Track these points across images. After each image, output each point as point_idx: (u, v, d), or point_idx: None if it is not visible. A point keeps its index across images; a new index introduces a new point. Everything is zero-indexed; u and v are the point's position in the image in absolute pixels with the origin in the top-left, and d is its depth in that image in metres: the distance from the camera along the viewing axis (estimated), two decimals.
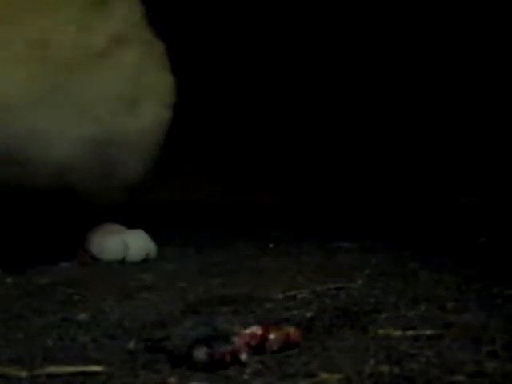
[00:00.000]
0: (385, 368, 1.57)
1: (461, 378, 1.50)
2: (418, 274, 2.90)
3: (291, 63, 6.20)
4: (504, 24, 5.48)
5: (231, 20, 5.87)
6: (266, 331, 1.72)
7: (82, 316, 2.16)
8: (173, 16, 5.16)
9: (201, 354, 1.57)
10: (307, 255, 3.52)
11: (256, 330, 1.72)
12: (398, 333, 1.90)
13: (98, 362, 1.65)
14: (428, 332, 1.89)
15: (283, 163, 6.79)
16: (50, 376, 1.55)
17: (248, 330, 1.71)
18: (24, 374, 1.56)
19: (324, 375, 1.53)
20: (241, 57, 6.02)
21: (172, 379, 1.52)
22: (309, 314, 2.16)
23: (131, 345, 1.81)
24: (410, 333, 1.89)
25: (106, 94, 2.89)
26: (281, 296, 2.45)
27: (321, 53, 6.17)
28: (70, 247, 3.37)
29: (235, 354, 1.60)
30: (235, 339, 1.61)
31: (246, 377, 1.54)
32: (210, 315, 2.11)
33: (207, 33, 5.76)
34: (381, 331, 1.92)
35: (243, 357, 1.61)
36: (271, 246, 3.91)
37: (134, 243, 3.21)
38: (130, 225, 5.34)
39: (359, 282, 2.72)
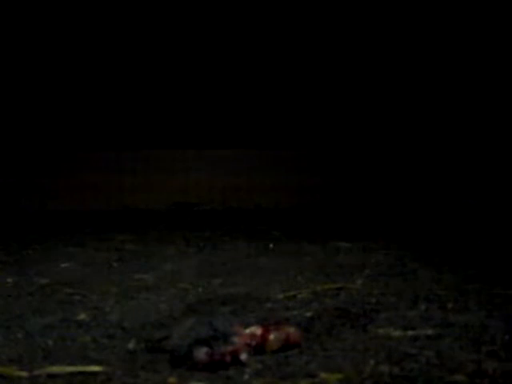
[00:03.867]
0: (385, 368, 1.57)
1: (461, 378, 1.50)
2: (417, 273, 2.90)
3: (297, 61, 6.19)
4: (504, 25, 5.48)
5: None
6: (266, 331, 1.72)
7: (82, 316, 2.17)
8: None
9: (201, 354, 1.57)
10: (307, 255, 3.52)
11: (256, 329, 1.72)
12: (397, 333, 1.90)
13: (98, 362, 1.65)
14: (428, 332, 1.90)
15: (284, 164, 6.77)
16: (50, 376, 1.55)
17: (248, 330, 1.71)
18: (24, 373, 1.56)
19: (324, 375, 1.53)
20: (254, 57, 6.02)
21: (172, 379, 1.52)
22: (309, 314, 2.16)
23: (131, 345, 1.82)
24: (410, 333, 1.89)
25: None
26: (281, 296, 2.46)
27: (323, 53, 6.16)
28: None
29: (235, 354, 1.60)
30: (235, 339, 1.61)
31: (246, 377, 1.54)
32: (210, 315, 2.11)
33: None
34: (381, 331, 1.92)
35: (243, 357, 1.61)
36: (271, 246, 3.91)
37: None
38: (128, 226, 5.34)
39: (359, 281, 2.72)
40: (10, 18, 6.57)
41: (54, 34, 6.58)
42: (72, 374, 1.56)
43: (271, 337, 1.71)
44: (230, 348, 1.58)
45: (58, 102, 6.87)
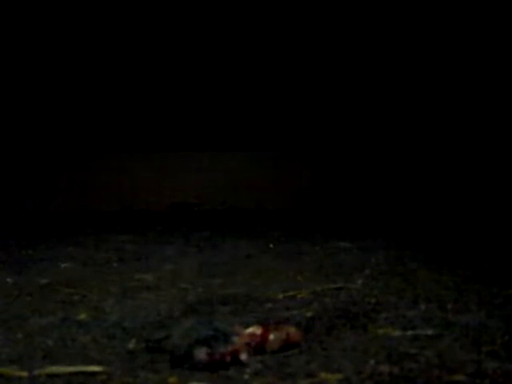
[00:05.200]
0: (385, 368, 1.57)
1: (461, 377, 1.50)
2: (417, 273, 2.90)
3: (298, 62, 6.19)
4: (504, 25, 5.49)
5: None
6: (266, 331, 1.72)
7: (82, 316, 2.16)
8: None
9: (201, 353, 1.57)
10: (307, 255, 3.52)
11: (256, 329, 1.72)
12: (397, 333, 1.90)
13: (98, 362, 1.65)
14: (428, 332, 1.90)
15: (284, 164, 6.77)
16: (50, 376, 1.55)
17: (248, 330, 1.71)
18: (24, 373, 1.56)
19: (324, 375, 1.53)
20: (248, 57, 6.02)
21: (172, 379, 1.52)
22: (309, 314, 2.16)
23: (131, 345, 1.82)
24: (409, 333, 1.89)
25: None
26: (281, 296, 2.46)
27: (323, 53, 6.16)
28: None
29: (235, 354, 1.60)
30: (235, 339, 1.61)
31: (246, 377, 1.54)
32: (209, 315, 2.11)
33: None
34: (381, 331, 1.92)
35: (243, 357, 1.61)
36: (271, 246, 3.91)
37: None
38: (127, 227, 5.33)
39: (359, 281, 2.72)
40: (12, 20, 6.57)
41: (65, 40, 6.58)
42: (72, 373, 1.56)
43: (271, 337, 1.71)
44: (229, 348, 1.58)
45: (59, 104, 6.87)
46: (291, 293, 2.49)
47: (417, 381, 1.48)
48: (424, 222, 5.22)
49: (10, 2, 6.53)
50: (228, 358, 1.58)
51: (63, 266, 3.23)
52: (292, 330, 1.77)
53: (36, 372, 1.57)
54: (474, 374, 1.51)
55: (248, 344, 1.65)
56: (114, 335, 1.91)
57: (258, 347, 1.68)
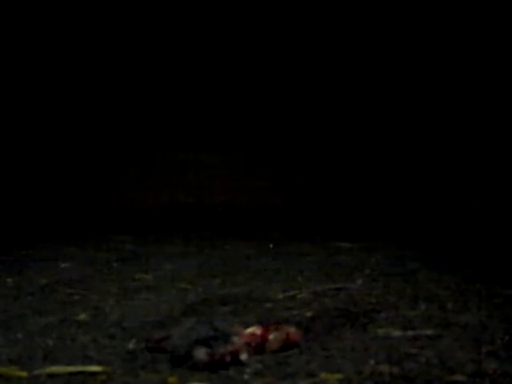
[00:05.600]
0: (385, 368, 1.56)
1: (461, 377, 1.50)
2: (417, 273, 2.90)
3: (295, 63, 6.19)
4: (504, 24, 5.49)
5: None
6: (266, 331, 1.72)
7: (82, 316, 2.17)
8: None
9: (201, 354, 1.57)
10: (307, 255, 3.52)
11: (256, 329, 1.72)
12: (397, 333, 1.90)
13: (98, 362, 1.65)
14: (428, 332, 1.90)
15: (284, 164, 6.77)
16: (50, 376, 1.55)
17: (248, 330, 1.71)
18: (24, 374, 1.56)
19: (324, 375, 1.53)
20: (242, 58, 6.01)
21: (172, 379, 1.52)
22: (309, 314, 2.16)
23: (131, 345, 1.82)
24: (410, 333, 1.89)
25: None
26: (281, 296, 2.46)
27: (323, 53, 6.15)
28: None
29: (235, 354, 1.60)
30: (235, 339, 1.61)
31: (246, 377, 1.54)
32: (209, 315, 2.11)
33: None
34: (381, 331, 1.92)
35: (243, 357, 1.61)
36: (271, 246, 3.91)
37: None
38: (127, 227, 5.32)
39: (359, 281, 2.72)
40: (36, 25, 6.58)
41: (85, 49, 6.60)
42: (72, 373, 1.56)
43: (271, 337, 1.71)
44: (229, 348, 1.58)
45: (61, 105, 6.87)
46: (291, 293, 2.49)
47: (417, 381, 1.48)
48: (424, 222, 5.22)
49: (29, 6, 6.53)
50: (228, 358, 1.58)
51: (63, 265, 3.23)
52: (292, 329, 1.77)
53: (36, 372, 1.57)
54: (474, 374, 1.51)
55: (248, 344, 1.65)
56: (114, 335, 1.91)
57: (257, 347, 1.68)
